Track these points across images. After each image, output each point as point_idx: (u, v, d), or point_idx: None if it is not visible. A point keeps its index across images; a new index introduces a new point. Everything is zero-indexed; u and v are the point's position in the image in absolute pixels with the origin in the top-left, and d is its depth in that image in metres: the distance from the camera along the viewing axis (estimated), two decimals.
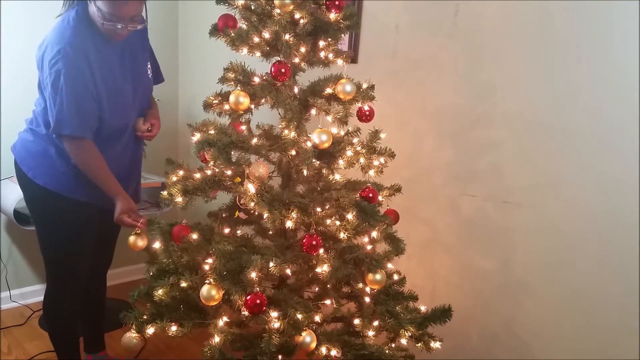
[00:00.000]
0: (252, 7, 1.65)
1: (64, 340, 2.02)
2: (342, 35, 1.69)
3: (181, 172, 1.69)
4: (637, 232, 1.62)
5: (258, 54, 1.64)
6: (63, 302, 1.95)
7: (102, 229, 1.98)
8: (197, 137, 1.60)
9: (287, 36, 1.57)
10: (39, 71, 1.73)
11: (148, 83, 1.96)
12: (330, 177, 1.65)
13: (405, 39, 2.16)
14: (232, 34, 1.61)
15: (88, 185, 1.82)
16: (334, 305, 1.71)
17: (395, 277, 1.78)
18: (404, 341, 1.67)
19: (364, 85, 1.67)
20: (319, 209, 1.54)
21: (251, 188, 1.48)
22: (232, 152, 1.55)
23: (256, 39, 1.59)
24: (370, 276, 1.58)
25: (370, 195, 1.62)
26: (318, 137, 1.55)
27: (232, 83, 1.63)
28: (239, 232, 1.77)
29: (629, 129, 1.61)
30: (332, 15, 1.62)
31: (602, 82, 1.66)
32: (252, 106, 1.65)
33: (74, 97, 1.66)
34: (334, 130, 1.66)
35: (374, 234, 1.64)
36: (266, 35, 1.58)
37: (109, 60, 1.76)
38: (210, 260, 1.52)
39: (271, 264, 1.47)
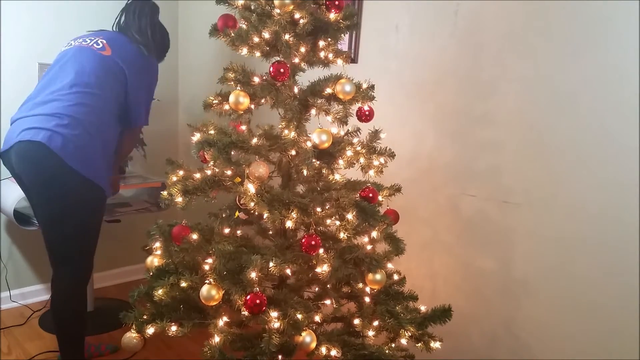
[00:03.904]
0: (252, 7, 1.65)
1: (77, 335, 2.02)
2: (342, 35, 1.69)
3: (181, 172, 1.69)
4: (637, 232, 1.61)
5: (258, 54, 1.64)
6: (84, 294, 1.99)
7: None
8: (197, 137, 1.59)
9: (287, 36, 1.57)
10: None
11: None
12: (330, 177, 1.64)
13: (405, 39, 2.16)
14: (232, 34, 1.61)
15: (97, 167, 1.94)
16: (334, 305, 1.71)
17: (395, 277, 1.78)
18: (404, 341, 1.67)
19: (364, 85, 1.67)
20: (319, 209, 1.54)
21: (251, 188, 1.48)
22: (232, 152, 1.55)
23: (256, 39, 1.59)
24: (370, 276, 1.58)
25: (370, 195, 1.62)
26: (318, 137, 1.55)
27: (232, 83, 1.63)
28: (239, 232, 1.77)
29: (629, 129, 1.61)
30: (332, 15, 1.62)
31: (602, 82, 1.66)
32: (252, 106, 1.65)
33: None
34: (334, 130, 1.66)
35: (374, 234, 1.63)
36: (266, 35, 1.58)
37: None
38: (210, 260, 1.52)
39: (271, 264, 1.47)
